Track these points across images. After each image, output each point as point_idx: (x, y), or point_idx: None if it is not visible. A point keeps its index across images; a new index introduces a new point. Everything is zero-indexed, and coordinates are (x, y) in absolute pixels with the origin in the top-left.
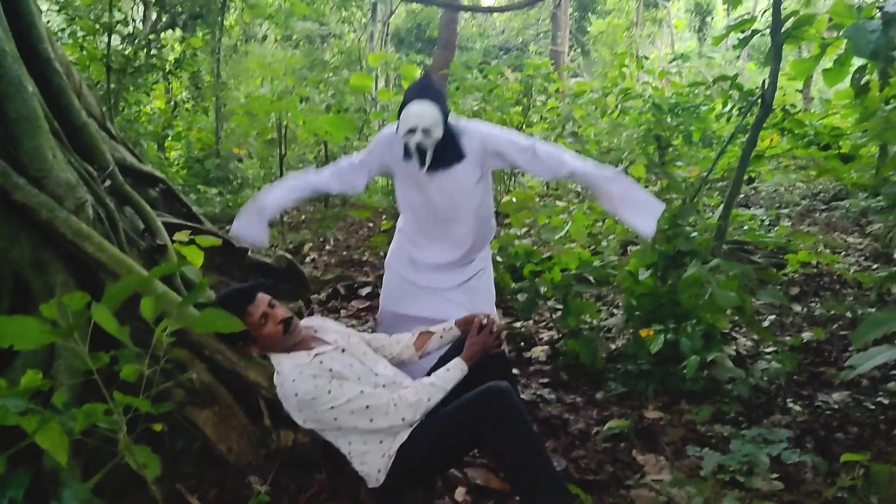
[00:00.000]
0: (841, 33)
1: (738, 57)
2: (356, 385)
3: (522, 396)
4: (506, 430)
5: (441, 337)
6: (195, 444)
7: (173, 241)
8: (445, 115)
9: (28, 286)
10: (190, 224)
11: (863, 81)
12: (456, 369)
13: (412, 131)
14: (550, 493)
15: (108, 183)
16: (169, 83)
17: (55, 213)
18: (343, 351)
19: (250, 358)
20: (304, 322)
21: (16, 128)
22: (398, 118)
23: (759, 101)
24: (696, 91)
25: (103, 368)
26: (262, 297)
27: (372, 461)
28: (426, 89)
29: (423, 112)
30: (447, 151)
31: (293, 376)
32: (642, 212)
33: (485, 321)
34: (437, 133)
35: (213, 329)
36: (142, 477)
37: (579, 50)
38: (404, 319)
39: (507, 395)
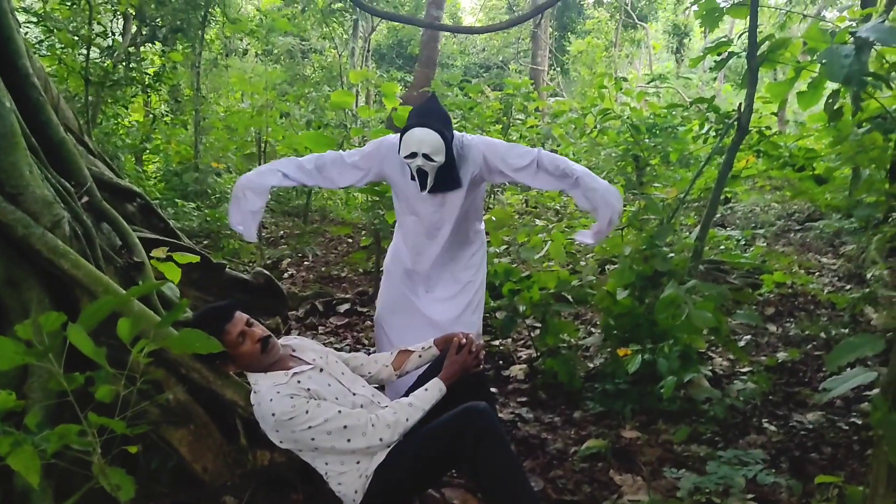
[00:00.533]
0: (815, 57)
1: (715, 79)
2: (334, 405)
3: (500, 415)
4: (484, 451)
5: (420, 356)
6: (170, 464)
7: (150, 258)
8: (448, 140)
9: (2, 303)
10: (167, 240)
11: (836, 105)
12: (434, 389)
13: (413, 155)
14: None
15: (85, 199)
16: (148, 96)
17: (31, 230)
18: (321, 371)
19: (227, 377)
20: (282, 341)
21: None
22: (401, 138)
23: (736, 123)
24: (673, 112)
25: (78, 388)
26: (240, 316)
27: (349, 482)
28: (429, 115)
29: (424, 138)
30: (448, 177)
31: (270, 396)
32: (599, 235)
33: (464, 340)
34: (439, 159)
35: (191, 350)
36: (115, 498)
37: (559, 69)
38: (398, 324)
39: (486, 416)
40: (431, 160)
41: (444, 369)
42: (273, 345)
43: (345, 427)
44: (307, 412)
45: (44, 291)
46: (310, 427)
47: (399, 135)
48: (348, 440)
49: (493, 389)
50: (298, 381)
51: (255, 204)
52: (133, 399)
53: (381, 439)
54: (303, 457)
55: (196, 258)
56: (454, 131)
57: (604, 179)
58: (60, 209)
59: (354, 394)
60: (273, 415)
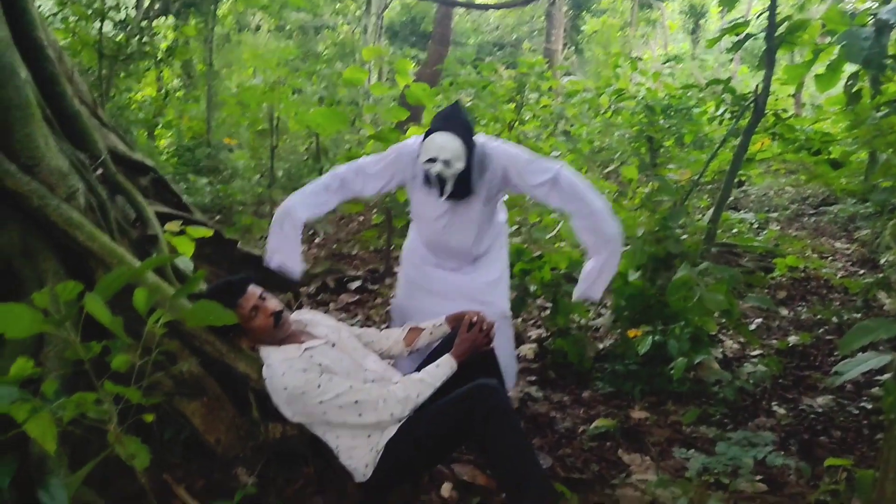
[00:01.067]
0: (833, 39)
1: (731, 60)
2: (345, 380)
3: (510, 394)
4: (494, 429)
5: (431, 333)
6: (183, 435)
7: (164, 231)
8: (470, 147)
9: (17, 274)
10: (181, 214)
11: (854, 88)
12: (445, 366)
13: (433, 161)
14: (536, 492)
15: (99, 171)
16: (160, 71)
17: (46, 201)
18: (333, 345)
19: (240, 350)
20: (295, 315)
21: (8, 115)
22: (422, 142)
23: (752, 105)
24: (689, 93)
25: (94, 358)
26: (254, 290)
27: (359, 456)
28: (452, 121)
29: (445, 144)
30: (466, 184)
31: (283, 370)
32: (597, 281)
33: (475, 318)
34: (458, 166)
35: (206, 322)
36: (129, 466)
37: (573, 48)
38: (416, 312)
39: (496, 394)
40: (451, 166)
41: (455, 346)
42: (286, 319)
43: (356, 402)
44: (319, 386)
45: (59, 263)
46: (321, 402)
47: (420, 139)
48: (359, 415)
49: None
50: (311, 356)
51: (294, 235)
52: (147, 370)
53: (391, 414)
54: (314, 430)
55: (209, 232)
56: (477, 136)
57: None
58: (76, 181)
59: (366, 369)
60: (285, 388)
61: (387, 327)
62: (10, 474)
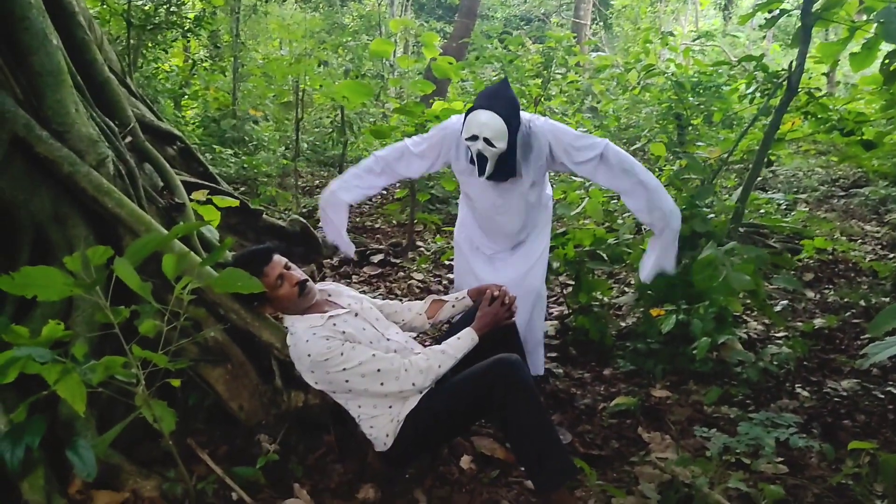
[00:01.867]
0: (871, 17)
1: (764, 37)
2: (368, 349)
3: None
4: (514, 403)
5: (453, 306)
6: (207, 401)
7: (191, 200)
8: (514, 128)
9: (48, 239)
10: (207, 184)
11: (892, 68)
12: (467, 338)
13: (475, 138)
14: (556, 467)
15: (128, 139)
16: (188, 41)
17: (76, 168)
18: (356, 315)
19: (264, 318)
20: (319, 286)
21: (40, 81)
22: (465, 118)
23: (785, 82)
24: (719, 70)
25: (121, 324)
26: (279, 259)
27: (381, 425)
28: (496, 99)
29: (487, 123)
30: (508, 164)
31: (306, 337)
32: (661, 259)
33: (496, 292)
34: (500, 146)
35: (233, 289)
36: (153, 430)
37: (601, 23)
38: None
39: (517, 368)
40: (492, 146)
41: (476, 320)
42: (310, 289)
43: (378, 370)
44: (342, 354)
45: (88, 229)
46: (344, 369)
47: (463, 116)
48: (381, 384)
49: None
50: (334, 324)
51: (339, 219)
52: (175, 336)
53: (413, 384)
54: (336, 399)
55: (235, 202)
56: (523, 114)
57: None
58: (105, 148)
59: (388, 339)
60: (308, 355)
61: (409, 300)
62: (39, 434)
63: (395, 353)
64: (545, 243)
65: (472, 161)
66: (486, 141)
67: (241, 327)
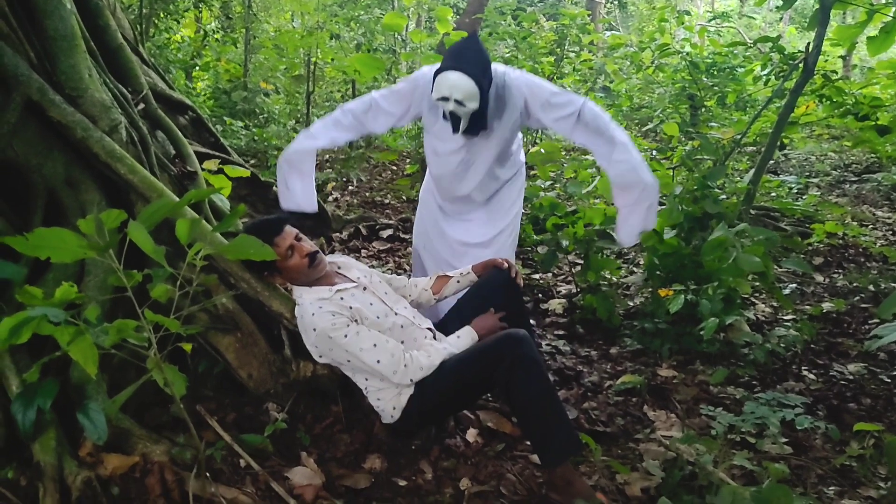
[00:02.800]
0: (890, 0)
1: (780, 19)
2: (372, 336)
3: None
4: (521, 378)
5: (458, 282)
6: (216, 369)
7: (202, 170)
8: (486, 85)
9: (61, 203)
10: (218, 154)
11: None
12: (466, 337)
13: (445, 99)
14: (561, 442)
15: (141, 106)
16: (199, 11)
17: (89, 133)
18: (364, 289)
19: (274, 288)
20: (328, 258)
21: (53, 45)
22: (434, 78)
23: (801, 64)
24: (735, 51)
25: (133, 289)
26: (289, 230)
27: (387, 398)
28: (465, 58)
29: (457, 83)
30: (482, 121)
31: (313, 310)
32: (635, 224)
33: (505, 265)
34: (472, 105)
35: (245, 256)
36: (162, 396)
37: (616, 2)
38: (428, 259)
39: (525, 343)
40: (464, 105)
41: (476, 322)
42: (320, 260)
43: (378, 361)
44: (346, 336)
45: (101, 194)
46: (346, 350)
47: (433, 74)
48: (380, 372)
49: (531, 321)
50: (341, 298)
51: (306, 168)
52: (186, 303)
53: (411, 380)
54: (343, 371)
55: (246, 172)
56: (497, 66)
57: (649, 176)
58: (118, 114)
59: (396, 313)
60: (314, 329)
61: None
62: (51, 396)
63: (402, 329)
64: (516, 209)
65: (444, 117)
66: (458, 102)
67: (252, 296)
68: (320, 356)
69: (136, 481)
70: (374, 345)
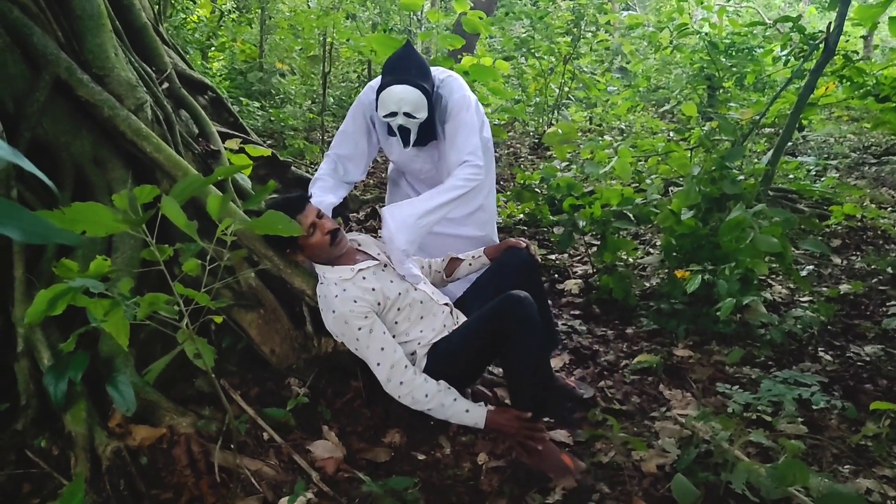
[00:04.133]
0: None
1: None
2: (383, 339)
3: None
4: (520, 336)
5: (469, 264)
6: (239, 345)
7: (224, 149)
8: (430, 93)
9: (88, 181)
10: (238, 134)
11: None
12: (474, 413)
13: (393, 115)
14: (541, 402)
15: (165, 85)
16: None
17: (116, 112)
18: (384, 267)
19: (296, 265)
20: (349, 236)
21: (80, 25)
22: (377, 96)
23: (822, 45)
24: (754, 31)
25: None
26: (311, 207)
27: None
28: (406, 69)
29: (404, 96)
30: (431, 130)
31: (336, 293)
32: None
33: (523, 244)
34: (421, 115)
35: (273, 231)
36: (187, 371)
37: None
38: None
39: (527, 304)
40: (414, 117)
41: (493, 417)
42: (341, 237)
43: (378, 364)
44: (359, 328)
45: (127, 172)
46: (356, 339)
47: (375, 93)
48: (376, 373)
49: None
50: (363, 278)
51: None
52: (212, 279)
53: (399, 396)
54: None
55: (267, 151)
56: (437, 73)
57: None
58: (143, 93)
59: (416, 289)
60: (333, 311)
61: None
62: (82, 369)
63: (422, 305)
64: (487, 189)
65: (391, 133)
66: (406, 115)
67: (274, 273)
68: (336, 335)
69: (164, 452)
70: (382, 349)
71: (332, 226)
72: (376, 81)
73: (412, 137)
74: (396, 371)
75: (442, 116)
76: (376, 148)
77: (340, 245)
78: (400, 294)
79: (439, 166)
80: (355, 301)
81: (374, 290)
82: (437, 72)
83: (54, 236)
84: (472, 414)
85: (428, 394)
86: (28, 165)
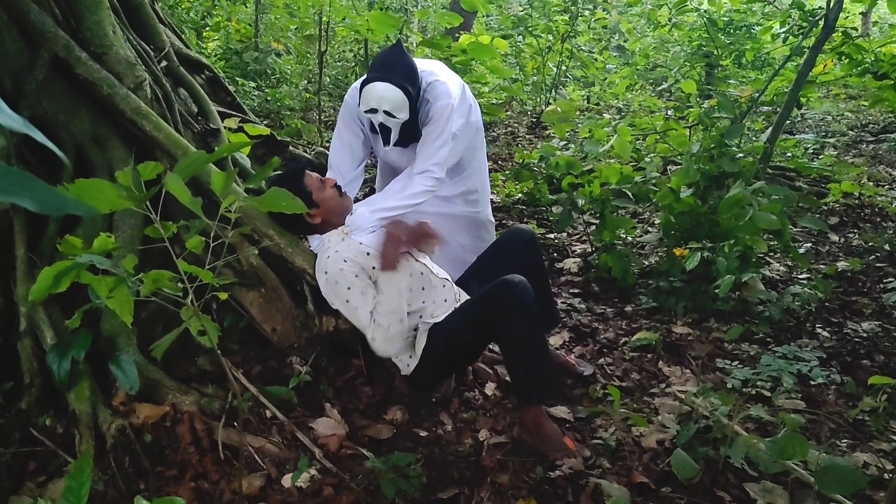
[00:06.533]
0: None
1: None
2: (367, 306)
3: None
4: (514, 320)
5: None
6: (241, 324)
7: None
8: (414, 95)
9: (88, 160)
10: (235, 113)
11: None
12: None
13: (374, 111)
14: (540, 385)
15: (163, 64)
16: None
17: (115, 90)
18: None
19: (297, 244)
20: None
21: (78, 2)
22: (360, 91)
23: (821, 21)
24: (752, 9)
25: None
26: (311, 173)
27: (404, 348)
28: (391, 68)
29: (385, 94)
30: (413, 132)
31: (329, 254)
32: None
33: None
34: (402, 116)
35: (277, 208)
36: (189, 350)
37: None
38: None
39: (522, 288)
40: (394, 117)
41: (381, 260)
42: (345, 192)
43: (364, 325)
44: (349, 288)
45: (127, 151)
46: (347, 301)
47: (358, 86)
48: (366, 333)
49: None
50: (360, 242)
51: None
52: (217, 258)
53: (384, 350)
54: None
55: (266, 130)
56: (423, 73)
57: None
58: (142, 71)
59: (417, 260)
60: (325, 272)
61: None
62: (85, 347)
63: (422, 289)
64: (481, 173)
65: (373, 130)
66: (387, 113)
67: (275, 252)
68: (326, 295)
69: (167, 430)
70: (371, 314)
71: (334, 181)
72: (360, 81)
73: (393, 136)
74: (381, 338)
75: (424, 119)
76: (368, 145)
77: (346, 199)
78: (398, 261)
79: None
80: (345, 261)
81: (368, 254)
82: (426, 74)
83: (70, 207)
84: (392, 285)
85: (395, 323)
86: (39, 136)
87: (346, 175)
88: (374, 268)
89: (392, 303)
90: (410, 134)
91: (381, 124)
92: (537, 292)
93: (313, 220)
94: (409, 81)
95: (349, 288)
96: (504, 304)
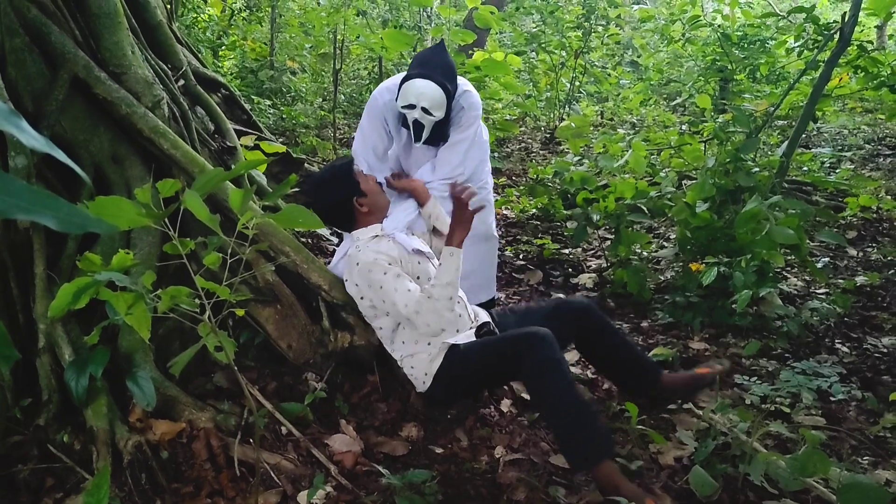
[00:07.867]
0: None
1: None
2: (405, 293)
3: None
4: (544, 379)
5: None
6: (257, 340)
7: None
8: (451, 95)
9: (106, 178)
10: (251, 131)
11: None
12: (448, 259)
13: (411, 107)
14: (587, 445)
15: (180, 83)
16: None
17: (133, 109)
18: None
19: (312, 260)
20: None
21: (97, 23)
22: (400, 85)
23: (836, 35)
24: (766, 23)
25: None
26: (356, 166)
27: (419, 364)
28: (433, 66)
29: (424, 91)
30: (443, 131)
31: (361, 247)
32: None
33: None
34: (438, 114)
35: (294, 225)
36: (205, 366)
37: None
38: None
39: (547, 343)
40: (430, 114)
41: (448, 237)
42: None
43: (405, 305)
44: (384, 273)
45: (145, 169)
46: (381, 287)
47: (399, 82)
48: (405, 316)
49: (560, 296)
50: (391, 239)
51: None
52: (234, 274)
53: (428, 325)
54: (378, 336)
55: (282, 148)
56: (462, 83)
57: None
58: (160, 90)
59: (432, 265)
60: (357, 263)
61: None
62: (103, 364)
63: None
64: (486, 188)
65: (404, 126)
66: (424, 110)
67: (291, 269)
68: (361, 297)
69: (184, 446)
70: (408, 290)
71: (374, 177)
72: (389, 81)
73: (425, 134)
74: (417, 318)
75: (455, 123)
76: (390, 143)
77: (384, 194)
78: (420, 263)
79: (433, 163)
80: (379, 252)
81: (396, 255)
82: (462, 82)
83: (90, 225)
84: (450, 261)
85: (444, 296)
86: (61, 156)
87: (372, 166)
88: (400, 262)
89: (451, 276)
90: (438, 134)
91: (415, 121)
92: (613, 358)
93: (362, 208)
94: (449, 81)
95: (385, 273)
96: (529, 360)
